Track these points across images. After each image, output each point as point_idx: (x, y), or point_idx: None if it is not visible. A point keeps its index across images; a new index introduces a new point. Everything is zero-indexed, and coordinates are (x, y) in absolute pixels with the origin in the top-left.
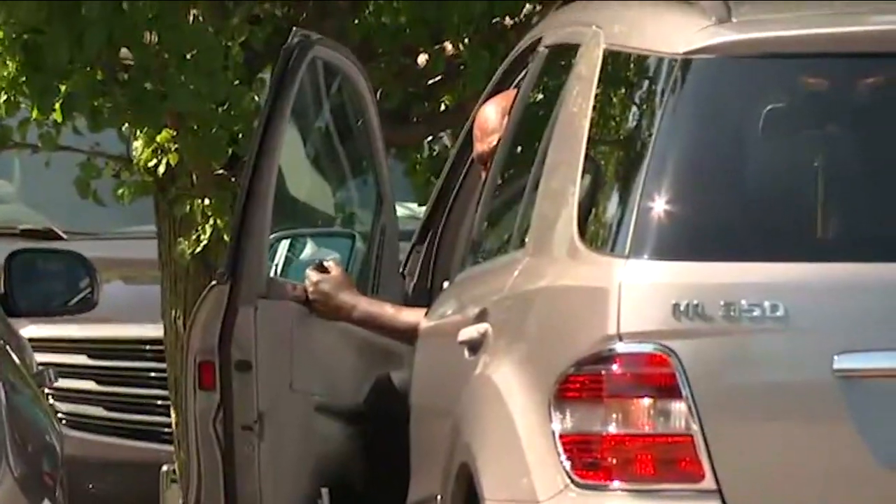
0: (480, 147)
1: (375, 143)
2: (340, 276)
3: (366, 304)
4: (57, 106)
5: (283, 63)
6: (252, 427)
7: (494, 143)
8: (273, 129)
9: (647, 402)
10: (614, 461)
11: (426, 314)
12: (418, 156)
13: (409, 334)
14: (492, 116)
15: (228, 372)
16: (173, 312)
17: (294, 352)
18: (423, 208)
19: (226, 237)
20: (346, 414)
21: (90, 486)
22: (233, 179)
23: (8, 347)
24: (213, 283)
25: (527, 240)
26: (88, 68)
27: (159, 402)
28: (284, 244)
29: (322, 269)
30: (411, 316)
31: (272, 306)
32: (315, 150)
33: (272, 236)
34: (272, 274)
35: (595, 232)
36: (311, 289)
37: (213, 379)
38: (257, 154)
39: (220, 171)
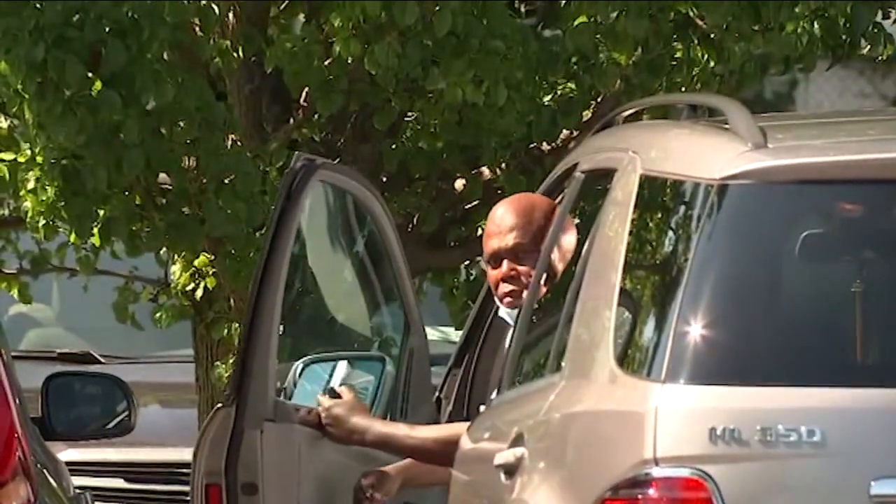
0: (498, 243)
1: (398, 266)
2: (352, 400)
3: (379, 426)
4: (95, 230)
5: (287, 186)
6: None
7: (512, 241)
8: (276, 252)
9: None
10: None
11: (467, 431)
12: (455, 280)
13: (423, 451)
14: (508, 215)
15: (235, 494)
16: None
17: (301, 475)
18: (460, 332)
19: None
20: None
21: None
22: None
23: (46, 471)
24: (220, 405)
25: (563, 363)
26: (127, 193)
27: None
28: (322, 367)
29: (334, 394)
30: (425, 432)
31: (278, 429)
32: (344, 275)
33: (305, 359)
34: (319, 396)
35: (631, 356)
36: (323, 414)
37: (220, 501)
38: (261, 277)
39: None
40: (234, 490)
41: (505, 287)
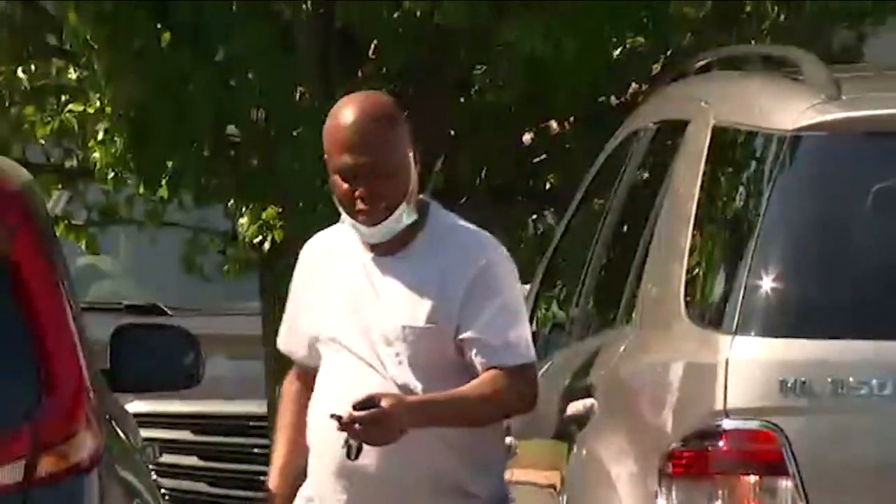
0: (355, 160)
1: None
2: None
3: (420, 398)
4: (163, 182)
5: None
6: None
7: (376, 159)
8: None
9: (753, 478)
10: None
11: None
12: (522, 233)
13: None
14: (369, 126)
15: None
16: (276, 389)
17: None
18: (527, 286)
19: None
20: None
21: None
22: None
23: (114, 423)
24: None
25: (634, 315)
26: (195, 144)
27: (262, 478)
28: None
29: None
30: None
31: None
32: None
33: None
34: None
35: (702, 308)
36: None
37: None
38: None
39: None
40: None
41: (361, 206)
